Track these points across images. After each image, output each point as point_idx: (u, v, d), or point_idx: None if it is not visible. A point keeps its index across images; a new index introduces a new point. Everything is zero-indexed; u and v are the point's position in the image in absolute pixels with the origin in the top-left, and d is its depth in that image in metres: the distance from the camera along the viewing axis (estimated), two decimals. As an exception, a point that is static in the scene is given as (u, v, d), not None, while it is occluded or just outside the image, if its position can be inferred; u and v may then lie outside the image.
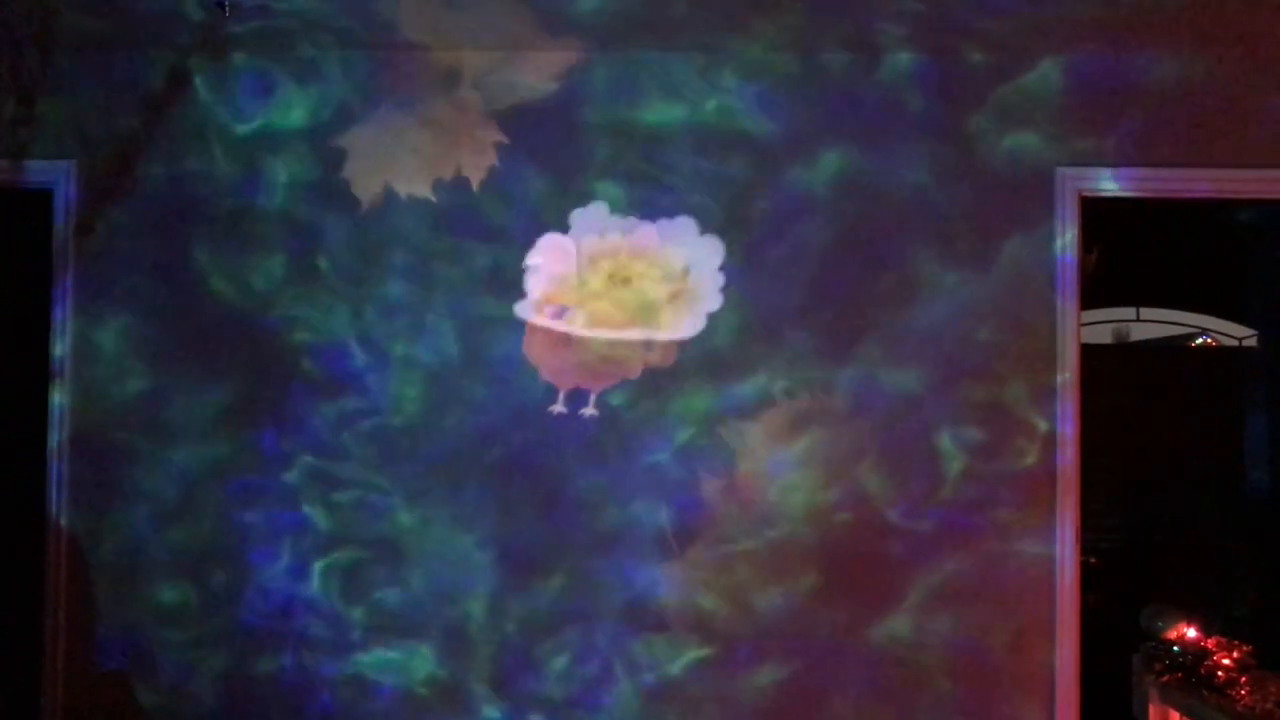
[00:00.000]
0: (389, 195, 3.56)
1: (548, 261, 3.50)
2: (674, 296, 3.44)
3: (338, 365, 3.56)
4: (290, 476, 3.55)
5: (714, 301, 3.48)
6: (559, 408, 3.50)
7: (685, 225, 3.49)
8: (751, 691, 3.45)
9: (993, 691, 3.42)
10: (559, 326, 3.49)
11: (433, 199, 3.56)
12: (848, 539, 3.46)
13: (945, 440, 3.46)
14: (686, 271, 3.47)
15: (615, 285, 3.44)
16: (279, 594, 3.53)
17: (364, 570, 3.53)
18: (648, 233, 3.47)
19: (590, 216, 3.50)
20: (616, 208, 3.50)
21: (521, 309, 3.53)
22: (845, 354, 3.48)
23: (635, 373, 3.49)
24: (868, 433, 3.47)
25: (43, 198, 3.59)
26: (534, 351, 3.51)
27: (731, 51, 3.50)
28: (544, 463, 3.51)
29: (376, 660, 3.51)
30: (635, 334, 3.47)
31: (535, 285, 3.51)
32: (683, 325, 3.47)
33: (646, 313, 3.47)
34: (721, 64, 3.51)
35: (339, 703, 3.50)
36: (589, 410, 3.49)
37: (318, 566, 3.53)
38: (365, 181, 3.57)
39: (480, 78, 3.56)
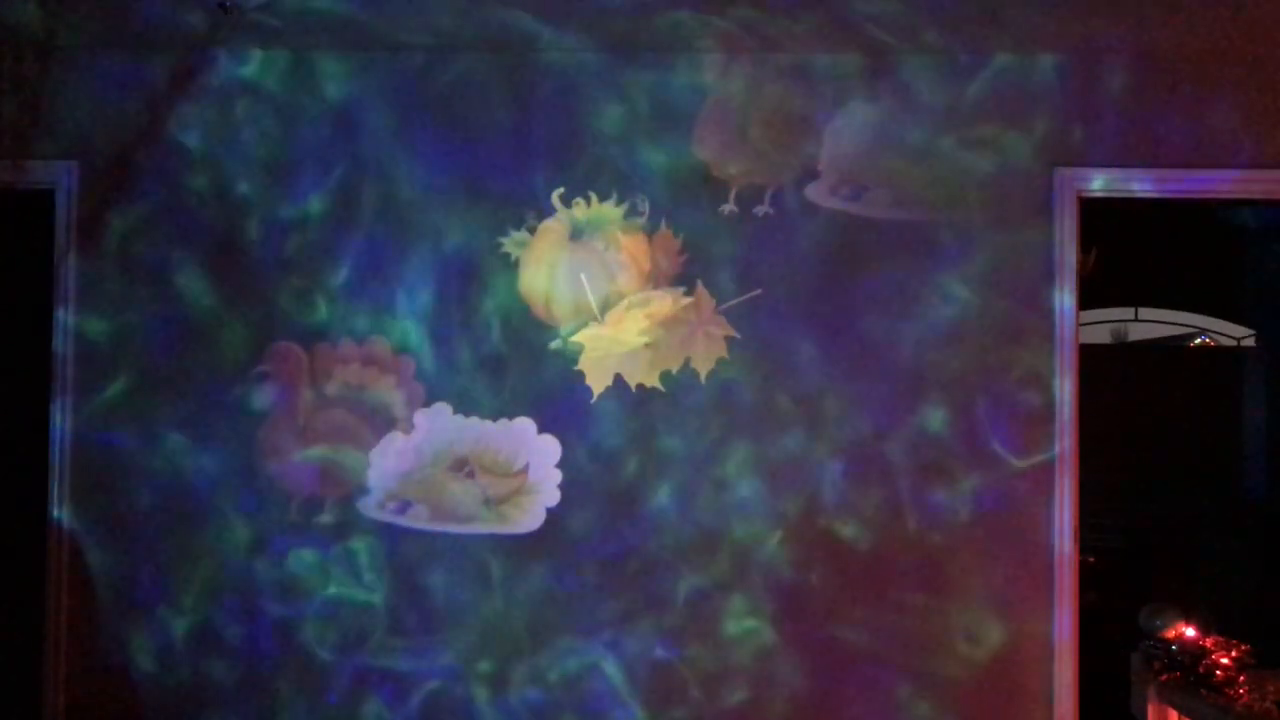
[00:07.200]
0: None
1: (389, 460, 3.51)
2: (514, 492, 3.47)
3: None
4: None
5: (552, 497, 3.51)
6: None
7: (524, 425, 3.50)
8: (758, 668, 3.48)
9: (992, 690, 3.42)
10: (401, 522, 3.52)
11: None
12: (844, 537, 3.47)
13: (944, 440, 3.46)
14: (526, 468, 3.49)
15: (459, 479, 3.46)
16: (281, 591, 3.54)
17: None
18: (488, 431, 3.49)
19: (433, 415, 3.51)
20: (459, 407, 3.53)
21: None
22: (842, 355, 3.48)
23: None
24: (865, 434, 3.48)
25: (44, 198, 3.59)
26: None
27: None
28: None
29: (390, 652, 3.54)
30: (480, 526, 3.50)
31: (378, 483, 3.53)
32: (524, 520, 3.50)
33: (489, 504, 3.50)
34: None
35: (349, 697, 3.52)
36: None
37: (322, 563, 3.54)
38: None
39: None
